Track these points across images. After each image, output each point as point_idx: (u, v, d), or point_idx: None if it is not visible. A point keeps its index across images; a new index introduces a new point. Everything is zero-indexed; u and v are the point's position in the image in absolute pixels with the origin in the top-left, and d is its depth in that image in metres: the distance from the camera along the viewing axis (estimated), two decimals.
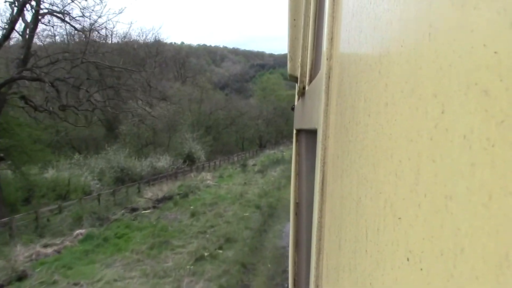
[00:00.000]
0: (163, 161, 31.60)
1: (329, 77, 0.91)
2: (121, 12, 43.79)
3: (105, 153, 29.08)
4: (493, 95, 0.22)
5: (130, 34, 44.72)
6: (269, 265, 12.94)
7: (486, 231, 0.22)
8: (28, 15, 21.86)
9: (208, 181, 28.91)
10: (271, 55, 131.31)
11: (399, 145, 0.38)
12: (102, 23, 27.16)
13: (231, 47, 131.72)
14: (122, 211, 20.17)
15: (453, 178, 0.26)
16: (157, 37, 46.73)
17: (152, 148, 34.71)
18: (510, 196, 0.20)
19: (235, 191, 25.24)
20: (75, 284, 11.38)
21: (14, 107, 22.20)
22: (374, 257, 0.44)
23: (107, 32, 33.53)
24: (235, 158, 43.67)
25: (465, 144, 0.24)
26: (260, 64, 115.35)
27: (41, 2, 22.06)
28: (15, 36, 23.11)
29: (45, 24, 23.95)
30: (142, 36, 43.23)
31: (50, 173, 23.81)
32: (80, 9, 25.70)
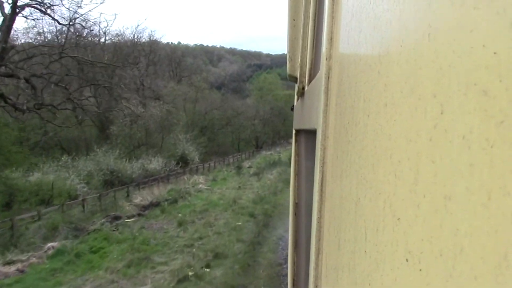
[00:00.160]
0: (155, 163, 30.33)
1: (328, 77, 0.91)
2: (102, 3, 42.80)
3: (94, 155, 27.67)
4: (493, 95, 0.22)
5: (124, 33, 44.01)
6: None
7: (485, 231, 0.22)
8: (9, 8, 21.13)
9: (200, 185, 27.33)
10: (268, 55, 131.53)
11: (399, 145, 0.38)
12: (83, 14, 26.69)
13: (228, 47, 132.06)
14: (103, 220, 18.27)
15: (452, 178, 0.26)
16: (151, 36, 46.26)
17: (144, 149, 33.45)
18: (509, 196, 0.20)
19: (228, 196, 23.32)
20: None
21: None
22: (373, 257, 0.44)
23: (100, 30, 33.36)
24: (231, 160, 42.19)
25: (464, 144, 0.24)
26: (257, 64, 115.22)
27: None
28: None
29: (26, 17, 23.45)
30: (137, 34, 42.68)
31: (35, 176, 22.43)
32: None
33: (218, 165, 38.50)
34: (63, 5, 24.88)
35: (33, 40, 28.51)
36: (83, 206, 20.11)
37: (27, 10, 22.87)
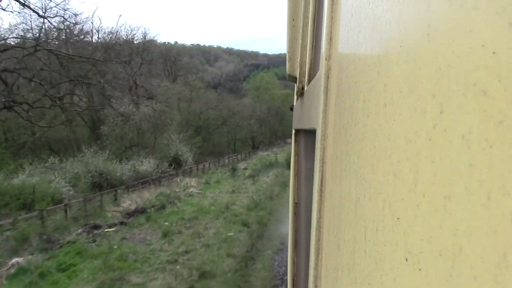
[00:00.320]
0: (147, 165, 28.89)
1: (328, 77, 0.91)
2: None
3: (82, 156, 26.12)
4: (492, 95, 0.22)
5: (118, 31, 43.03)
6: None
7: (485, 231, 0.22)
8: None
9: (192, 189, 25.59)
10: (265, 55, 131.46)
11: (398, 145, 0.38)
12: (59, 4, 25.23)
13: (225, 47, 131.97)
14: (80, 229, 16.38)
15: (452, 178, 0.26)
16: (146, 34, 45.23)
17: (136, 150, 32.03)
18: (508, 196, 0.20)
19: (221, 201, 21.56)
20: None
21: None
22: (373, 257, 0.44)
23: (93, 27, 32.68)
24: (226, 160, 40.84)
25: (463, 144, 0.24)
26: (254, 64, 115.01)
27: None
28: None
29: (4, 9, 22.56)
30: (131, 33, 41.94)
31: (20, 179, 20.88)
32: None
33: (212, 166, 37.27)
34: None
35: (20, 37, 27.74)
36: (66, 212, 18.34)
37: (4, 2, 21.97)
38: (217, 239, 14.94)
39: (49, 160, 24.74)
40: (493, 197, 0.21)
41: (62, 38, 30.83)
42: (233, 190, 25.16)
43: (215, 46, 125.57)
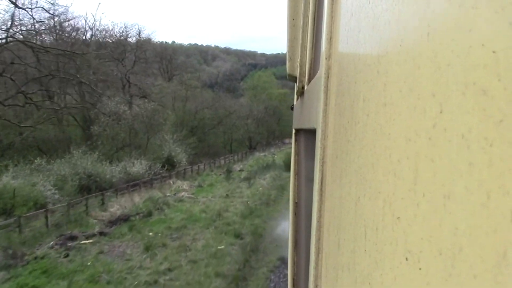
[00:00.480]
0: (138, 166, 27.33)
1: (328, 77, 0.91)
2: None
3: (69, 157, 24.57)
4: (491, 94, 0.22)
5: (112, 29, 42.89)
6: None
7: (484, 230, 0.22)
8: None
9: (183, 193, 24.04)
10: (263, 54, 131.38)
11: (398, 144, 0.38)
12: None
13: (222, 47, 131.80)
14: (52, 242, 14.30)
15: (452, 177, 0.26)
16: (140, 32, 45.09)
17: (128, 151, 30.53)
18: (508, 196, 0.20)
19: (213, 207, 19.85)
20: None
21: None
22: (373, 256, 0.44)
23: (87, 25, 31.95)
24: (222, 161, 39.52)
25: (463, 143, 0.25)
26: (252, 64, 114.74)
27: None
28: None
29: None
30: (125, 30, 41.40)
31: (3, 181, 19.15)
32: None
33: (208, 168, 35.84)
34: None
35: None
36: (46, 218, 16.69)
37: None
38: (205, 254, 13.28)
39: (36, 161, 23.27)
40: (493, 196, 0.21)
41: (54, 35, 30.39)
42: (227, 195, 23.61)
43: (212, 45, 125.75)
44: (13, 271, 11.82)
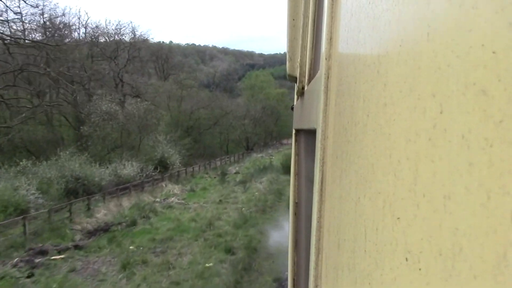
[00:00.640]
0: (129, 168, 25.92)
1: (328, 77, 0.91)
2: None
3: (56, 159, 23.10)
4: (491, 95, 0.22)
5: (106, 27, 41.38)
6: None
7: (485, 230, 0.22)
8: None
9: (173, 198, 22.47)
10: (261, 55, 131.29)
11: (398, 145, 0.38)
12: None
13: (220, 47, 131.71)
14: (16, 259, 12.37)
15: (452, 178, 0.26)
16: (134, 30, 43.83)
17: (120, 152, 29.21)
18: (508, 196, 0.20)
19: (204, 215, 18.22)
20: None
21: None
22: (373, 257, 0.44)
23: (80, 22, 31.03)
24: (218, 163, 38.26)
25: (463, 144, 0.24)
26: (250, 64, 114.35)
27: None
28: None
29: None
30: (118, 28, 40.13)
31: None
32: None
33: (203, 169, 34.48)
34: None
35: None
36: (24, 226, 15.25)
37: None
38: (191, 273, 11.53)
39: (21, 163, 21.98)
40: (493, 197, 0.21)
41: (42, 31, 29.82)
42: (220, 200, 21.90)
43: (210, 45, 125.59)
44: None
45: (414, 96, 0.34)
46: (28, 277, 11.36)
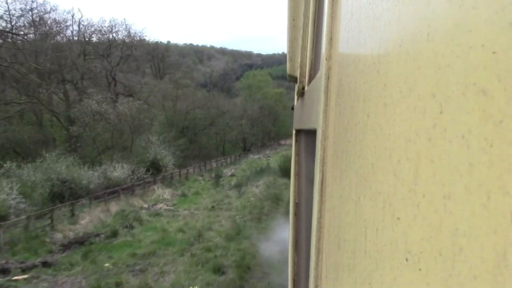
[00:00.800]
0: (119, 171, 24.52)
1: (328, 78, 0.91)
2: None
3: (41, 161, 21.69)
4: (491, 95, 0.22)
5: (96, 24, 41.11)
6: None
7: (485, 231, 0.22)
8: None
9: (162, 204, 20.85)
10: (259, 55, 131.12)
11: (398, 145, 0.38)
12: None
13: (218, 47, 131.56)
14: None
15: (452, 178, 0.26)
16: (129, 28, 42.52)
17: (111, 153, 27.97)
18: (508, 196, 0.20)
19: (194, 224, 16.49)
20: None
21: None
22: (373, 257, 0.44)
23: (73, 20, 30.36)
24: (214, 164, 36.68)
25: (463, 144, 0.24)
26: (248, 64, 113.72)
27: None
28: None
29: None
30: (114, 26, 39.30)
31: None
32: None
33: (198, 171, 32.82)
34: None
35: None
36: None
37: None
38: None
39: (5, 165, 20.59)
40: (493, 197, 0.21)
41: (32, 28, 29.35)
42: (212, 206, 20.17)
43: (208, 45, 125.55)
44: None
45: (414, 96, 0.34)
46: None
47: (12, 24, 27.82)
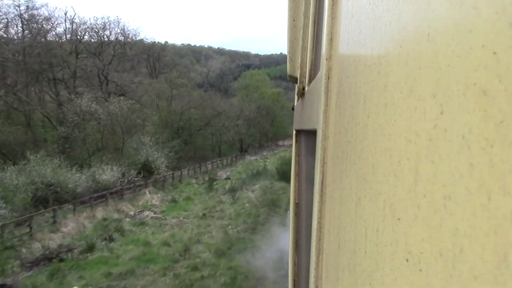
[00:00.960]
0: (109, 173, 23.22)
1: (328, 78, 0.91)
2: None
3: (24, 164, 20.42)
4: (492, 95, 0.22)
5: (89, 22, 40.43)
6: None
7: (485, 231, 0.22)
8: None
9: (149, 212, 19.14)
10: (257, 55, 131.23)
11: (398, 145, 0.38)
12: None
13: (216, 47, 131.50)
14: None
15: (452, 178, 0.26)
16: (124, 26, 42.69)
17: (100, 155, 26.66)
18: (508, 196, 0.20)
19: (181, 236, 14.83)
20: None
21: None
22: (373, 257, 0.44)
23: (67, 19, 29.88)
24: (209, 166, 35.68)
25: (463, 144, 0.24)
26: (245, 64, 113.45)
27: None
28: None
29: None
30: (108, 25, 38.71)
31: None
32: None
33: (192, 173, 31.39)
34: None
35: None
36: None
37: None
38: None
39: None
40: (493, 197, 0.21)
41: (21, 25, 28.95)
42: (203, 214, 18.44)
43: (206, 46, 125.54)
44: None
45: (415, 96, 0.34)
46: None
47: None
